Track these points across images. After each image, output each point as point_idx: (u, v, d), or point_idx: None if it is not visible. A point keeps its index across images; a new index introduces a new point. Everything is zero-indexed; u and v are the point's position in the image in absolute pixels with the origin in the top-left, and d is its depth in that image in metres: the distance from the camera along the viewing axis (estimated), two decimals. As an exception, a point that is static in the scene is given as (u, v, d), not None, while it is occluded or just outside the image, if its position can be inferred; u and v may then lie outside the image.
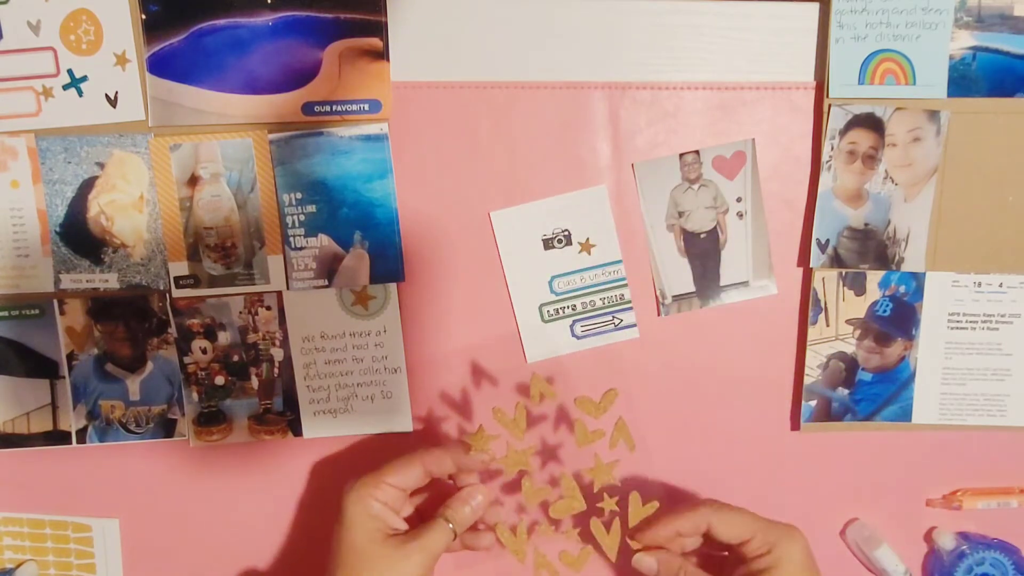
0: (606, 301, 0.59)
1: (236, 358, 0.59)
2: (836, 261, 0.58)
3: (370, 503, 0.52)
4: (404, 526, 0.54)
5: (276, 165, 0.56)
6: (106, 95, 0.55)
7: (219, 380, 0.59)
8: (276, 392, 0.59)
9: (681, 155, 0.58)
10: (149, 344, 0.59)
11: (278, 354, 0.59)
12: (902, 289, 0.59)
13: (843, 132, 0.56)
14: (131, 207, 0.57)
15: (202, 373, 0.59)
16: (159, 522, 0.61)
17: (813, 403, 0.60)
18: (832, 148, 0.57)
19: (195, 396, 0.59)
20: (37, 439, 0.60)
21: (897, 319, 0.59)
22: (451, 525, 0.53)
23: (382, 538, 0.51)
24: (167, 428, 0.60)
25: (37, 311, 0.58)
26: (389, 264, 0.58)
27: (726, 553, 0.55)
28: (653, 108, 0.57)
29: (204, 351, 0.59)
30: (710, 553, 0.56)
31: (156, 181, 0.56)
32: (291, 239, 0.57)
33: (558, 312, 0.59)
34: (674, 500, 0.62)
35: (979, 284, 0.59)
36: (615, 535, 0.55)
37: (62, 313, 0.58)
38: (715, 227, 0.58)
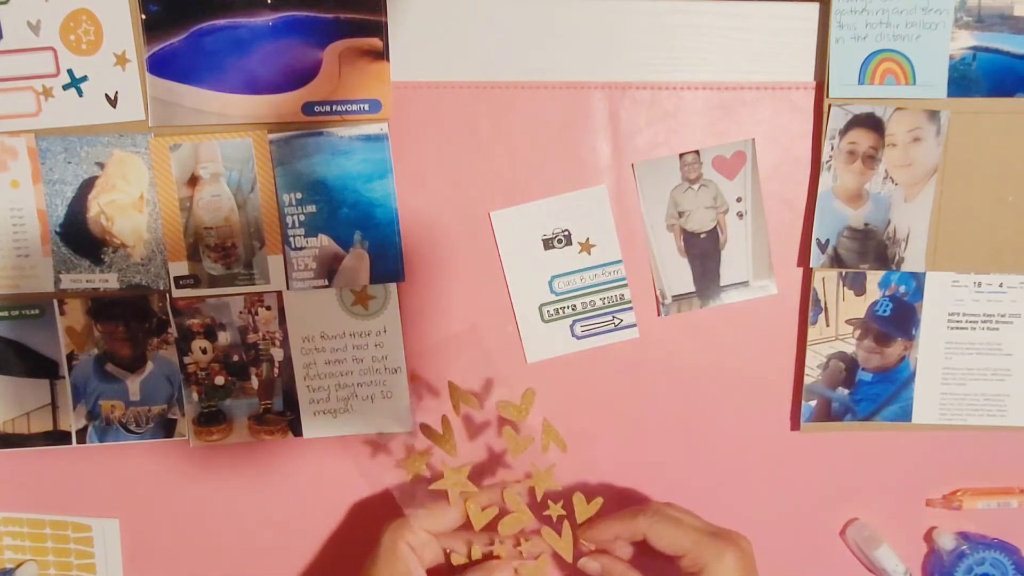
0: (606, 301, 0.59)
1: (236, 358, 0.59)
2: (836, 261, 0.58)
3: (400, 544, 0.54)
4: (423, 575, 0.54)
5: (276, 165, 0.56)
6: (106, 95, 0.55)
7: (219, 380, 0.59)
8: (276, 392, 0.59)
9: (681, 155, 0.58)
10: (149, 344, 0.59)
11: (278, 354, 0.59)
12: (902, 289, 0.59)
13: (843, 132, 0.56)
14: (131, 207, 0.57)
15: (202, 373, 0.59)
16: (159, 522, 0.61)
17: (813, 403, 0.60)
18: (832, 148, 0.57)
19: (195, 396, 0.59)
20: (37, 439, 0.60)
21: (897, 319, 0.59)
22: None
23: None
24: (167, 428, 0.60)
25: (37, 311, 0.58)
26: (389, 264, 0.58)
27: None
28: (653, 108, 0.57)
29: (204, 351, 0.59)
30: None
31: (156, 181, 0.56)
32: (291, 239, 0.57)
33: (558, 312, 0.59)
34: (675, 499, 0.62)
35: (979, 284, 0.59)
36: (567, 538, 0.55)
37: (62, 313, 0.58)
38: (715, 227, 0.58)
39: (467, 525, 0.55)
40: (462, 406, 0.55)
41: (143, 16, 0.54)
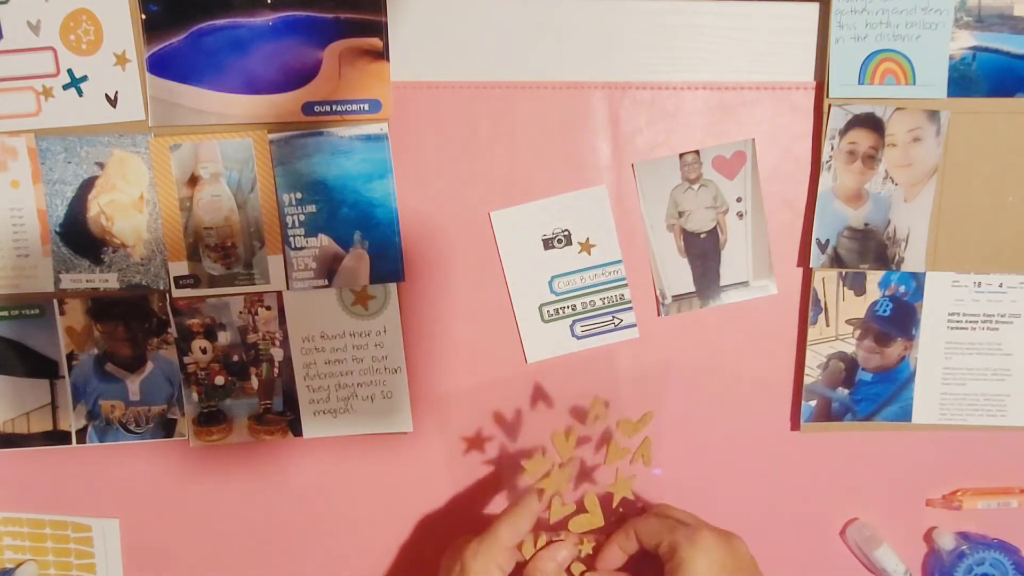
0: (606, 301, 0.59)
1: (236, 358, 0.59)
2: (836, 261, 0.58)
3: (492, 569, 0.51)
4: None
5: (276, 165, 0.56)
6: (106, 95, 0.55)
7: (219, 380, 0.59)
8: (276, 392, 0.59)
9: (681, 155, 0.58)
10: (149, 344, 0.59)
11: (278, 354, 0.59)
12: (902, 289, 0.59)
13: (843, 132, 0.56)
14: (131, 207, 0.57)
15: (202, 373, 0.59)
16: (159, 522, 0.61)
17: (813, 403, 0.60)
18: (832, 148, 0.57)
19: (195, 396, 0.59)
20: (37, 439, 0.60)
21: (897, 319, 0.59)
22: None
23: None
24: (167, 428, 0.60)
25: (37, 311, 0.58)
26: (389, 264, 0.58)
27: None
28: (653, 108, 0.57)
29: (204, 351, 0.59)
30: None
31: (156, 181, 0.56)
32: (291, 239, 0.57)
33: (558, 312, 0.59)
34: (675, 499, 0.62)
35: (979, 284, 0.59)
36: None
37: (62, 313, 0.58)
38: (715, 227, 0.58)
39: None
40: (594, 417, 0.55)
41: (143, 16, 0.54)
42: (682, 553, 0.49)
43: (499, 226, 0.58)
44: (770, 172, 0.58)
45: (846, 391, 0.60)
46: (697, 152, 0.58)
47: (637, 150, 0.57)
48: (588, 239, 0.58)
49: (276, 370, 0.59)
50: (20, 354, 0.58)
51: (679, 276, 0.59)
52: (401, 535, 0.62)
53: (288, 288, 0.58)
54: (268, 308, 0.58)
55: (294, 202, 0.57)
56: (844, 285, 0.59)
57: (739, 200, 0.58)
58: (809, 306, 0.59)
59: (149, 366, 0.59)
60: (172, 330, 0.58)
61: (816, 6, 0.56)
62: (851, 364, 0.60)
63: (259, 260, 0.57)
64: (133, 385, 0.59)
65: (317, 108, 0.55)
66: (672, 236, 0.59)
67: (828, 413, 0.60)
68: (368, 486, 0.61)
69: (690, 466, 0.62)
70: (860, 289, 0.59)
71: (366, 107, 0.55)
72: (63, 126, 0.55)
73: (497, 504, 0.60)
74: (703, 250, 0.59)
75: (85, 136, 0.55)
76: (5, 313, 0.58)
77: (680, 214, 0.58)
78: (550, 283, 0.59)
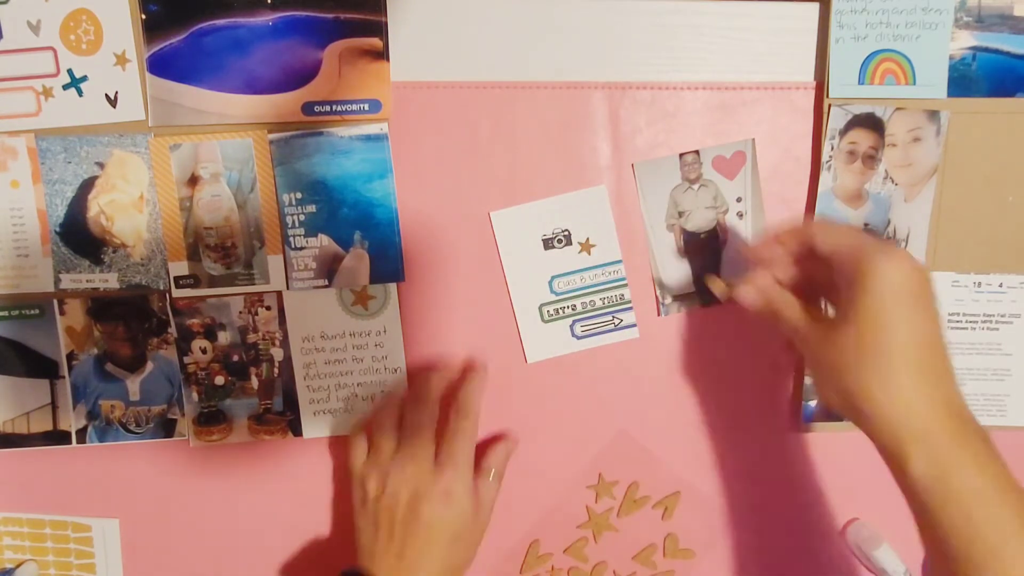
0: (606, 301, 0.59)
1: (236, 358, 0.59)
2: (836, 261, 0.58)
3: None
4: None
5: (276, 165, 0.56)
6: (106, 95, 0.55)
7: (219, 380, 0.59)
8: (276, 392, 0.59)
9: (681, 155, 0.58)
10: (149, 344, 0.59)
11: (278, 354, 0.59)
12: (902, 289, 0.59)
13: (843, 132, 0.56)
14: (131, 207, 0.57)
15: (202, 373, 0.59)
16: (159, 522, 0.61)
17: (813, 403, 0.60)
18: (832, 148, 0.57)
19: (195, 396, 0.59)
20: (37, 439, 0.60)
21: (897, 319, 0.59)
22: (493, 471, 0.57)
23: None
24: (167, 428, 0.60)
25: (37, 311, 0.58)
26: (389, 264, 0.58)
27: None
28: (653, 108, 0.57)
29: (204, 351, 0.59)
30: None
31: (156, 181, 0.56)
32: (291, 239, 0.57)
33: (558, 312, 0.59)
34: (675, 499, 0.62)
35: (979, 284, 0.59)
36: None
37: (62, 313, 0.58)
38: (715, 227, 0.58)
39: None
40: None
41: (143, 16, 0.54)
42: (871, 263, 0.43)
43: (499, 226, 0.58)
44: (770, 172, 0.58)
45: (846, 391, 0.60)
46: (697, 152, 0.58)
47: (637, 150, 0.57)
48: (588, 239, 0.58)
49: (276, 370, 0.59)
50: (20, 354, 0.58)
51: (679, 276, 0.59)
52: (401, 535, 0.62)
53: (288, 288, 0.58)
54: (268, 308, 0.58)
55: (294, 202, 0.57)
56: (844, 285, 0.59)
57: (739, 200, 0.58)
58: (809, 306, 0.59)
59: (149, 366, 0.59)
60: (172, 330, 0.58)
61: (816, 6, 0.56)
62: (851, 364, 0.59)
63: (259, 260, 0.57)
64: (133, 385, 0.59)
65: (317, 108, 0.55)
66: (672, 236, 0.59)
67: (828, 413, 0.60)
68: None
69: (690, 466, 0.62)
70: (860, 289, 0.59)
71: (366, 107, 0.55)
72: (63, 126, 0.55)
73: (497, 505, 0.60)
74: (703, 250, 0.59)
75: (85, 136, 0.55)
76: (5, 313, 0.58)
77: (680, 214, 0.58)
78: (550, 283, 0.59)
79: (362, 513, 0.55)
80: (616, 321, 0.59)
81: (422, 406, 0.56)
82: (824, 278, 0.49)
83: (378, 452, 0.56)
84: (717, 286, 0.55)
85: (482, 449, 0.58)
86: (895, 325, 0.43)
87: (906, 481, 0.44)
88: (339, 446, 0.61)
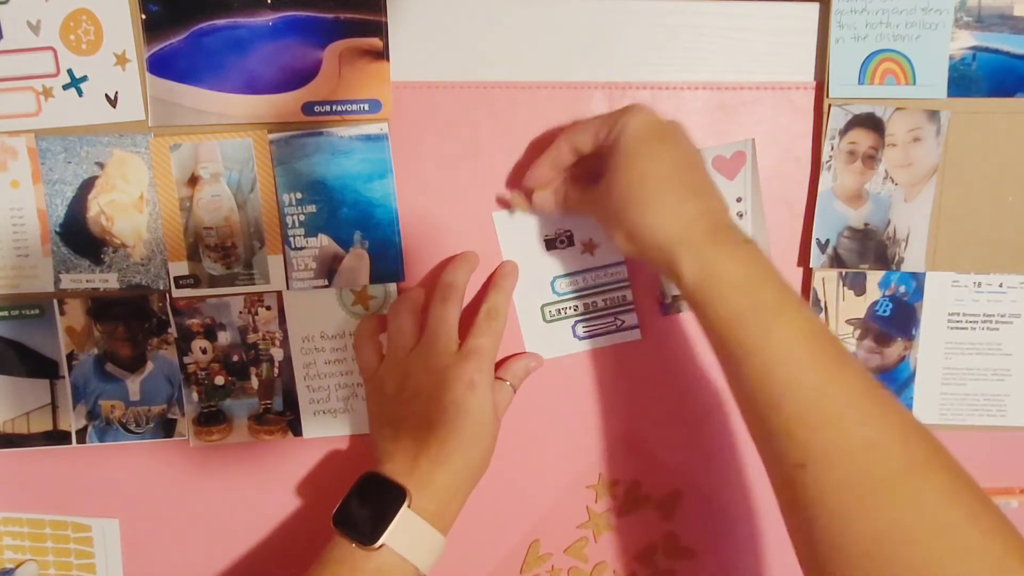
0: (608, 302, 0.59)
1: (236, 358, 0.59)
2: (836, 261, 0.58)
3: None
4: None
5: (276, 165, 0.56)
6: (106, 95, 0.55)
7: (219, 380, 0.59)
8: (276, 392, 0.59)
9: (681, 155, 0.58)
10: (149, 344, 0.59)
11: (278, 354, 0.59)
12: (902, 289, 0.59)
13: (843, 132, 0.57)
14: (131, 207, 0.57)
15: (202, 373, 0.59)
16: (159, 522, 0.61)
17: (813, 403, 0.60)
18: (832, 148, 0.57)
19: (195, 396, 0.59)
20: (37, 439, 0.60)
21: (897, 319, 0.59)
22: (509, 382, 0.57)
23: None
24: (167, 428, 0.60)
25: (37, 311, 0.58)
26: (389, 264, 0.58)
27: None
28: (653, 108, 0.57)
29: (204, 351, 0.59)
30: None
31: (156, 181, 0.56)
32: (291, 239, 0.57)
33: (560, 313, 0.59)
34: (676, 499, 0.62)
35: (979, 284, 0.59)
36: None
37: (62, 313, 0.58)
38: (715, 227, 0.58)
39: None
40: None
41: (143, 16, 0.54)
42: (618, 122, 0.49)
43: (501, 227, 0.58)
44: (770, 172, 0.58)
45: (846, 391, 0.60)
46: (697, 152, 0.58)
47: (637, 150, 0.57)
48: (591, 240, 0.58)
49: (276, 370, 0.59)
50: (20, 354, 0.58)
51: (679, 276, 0.59)
52: (401, 535, 0.62)
53: (288, 288, 0.58)
54: (268, 308, 0.58)
55: (294, 202, 0.57)
56: (844, 285, 0.59)
57: (739, 200, 0.58)
58: (809, 306, 0.59)
59: (149, 366, 0.59)
60: (172, 330, 0.58)
61: (816, 6, 0.56)
62: (851, 364, 0.60)
63: (259, 260, 0.57)
64: (133, 385, 0.59)
65: (317, 108, 0.55)
66: (672, 236, 0.58)
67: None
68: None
69: (691, 466, 0.62)
70: (860, 289, 0.59)
71: (366, 107, 0.55)
72: (63, 126, 0.55)
73: (496, 505, 0.60)
74: (703, 250, 0.59)
75: (85, 136, 0.55)
76: (5, 313, 0.58)
77: (680, 214, 0.58)
78: (552, 284, 0.59)
79: (378, 415, 0.54)
80: (618, 322, 0.59)
81: (449, 299, 0.54)
82: (594, 167, 0.52)
83: (396, 349, 0.55)
84: (516, 201, 0.57)
85: (500, 362, 0.57)
86: (647, 156, 0.48)
87: (683, 291, 0.47)
88: (339, 446, 0.61)
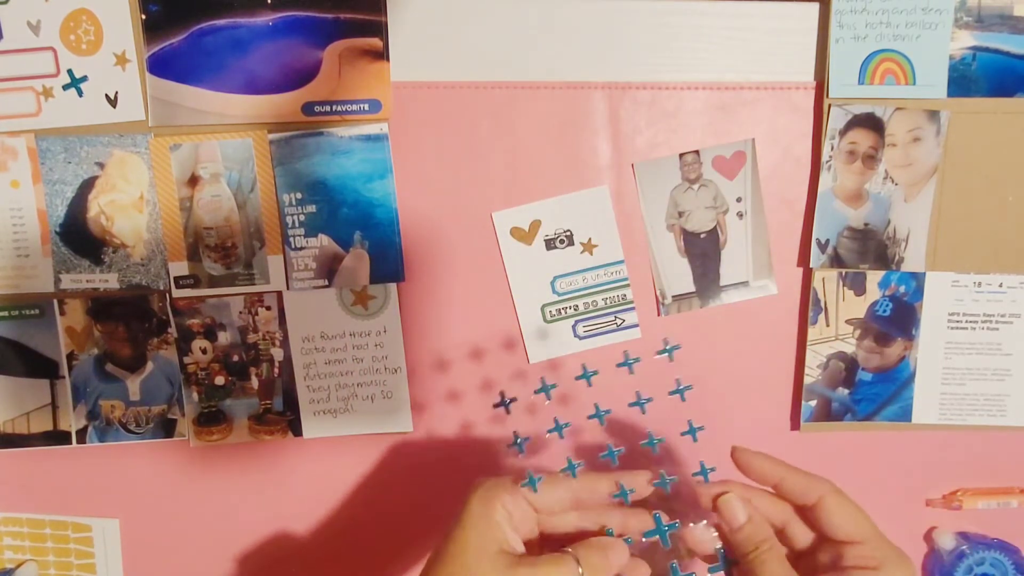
0: (608, 301, 0.59)
1: (236, 358, 0.59)
2: (836, 261, 0.58)
3: (495, 507, 0.44)
4: (521, 548, 0.45)
5: (276, 165, 0.56)
6: (106, 95, 0.55)
7: (219, 380, 0.59)
8: (276, 392, 0.59)
9: (681, 155, 0.58)
10: (149, 344, 0.59)
11: (278, 354, 0.59)
12: (902, 289, 0.59)
13: (843, 132, 0.56)
14: (131, 207, 0.57)
15: (202, 373, 0.59)
16: (159, 522, 0.61)
17: (813, 403, 0.60)
18: (832, 148, 0.57)
19: (195, 396, 0.59)
20: (37, 439, 0.60)
21: (897, 319, 0.59)
22: (581, 569, 0.44)
23: (495, 551, 0.43)
24: (167, 428, 0.60)
25: (37, 311, 0.58)
26: (389, 264, 0.58)
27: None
28: (653, 108, 0.57)
29: (204, 351, 0.59)
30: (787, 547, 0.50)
31: (156, 181, 0.56)
32: (291, 239, 0.57)
33: (560, 312, 0.59)
34: (676, 498, 0.62)
35: (979, 284, 0.59)
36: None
37: (62, 313, 0.58)
38: (715, 227, 0.58)
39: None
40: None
41: (143, 16, 0.54)
42: (889, 570, 0.44)
43: (501, 227, 0.58)
44: (770, 172, 0.58)
45: (846, 391, 0.60)
46: (697, 152, 0.58)
47: (637, 150, 0.57)
48: (590, 239, 0.58)
49: (276, 370, 0.59)
50: (20, 354, 0.58)
51: (679, 276, 0.59)
52: (401, 535, 0.62)
53: (288, 288, 0.58)
54: (268, 308, 0.58)
55: (294, 202, 0.57)
56: (844, 285, 0.59)
57: (739, 200, 0.58)
58: (809, 306, 0.59)
59: (149, 366, 0.59)
60: (172, 330, 0.58)
61: (816, 6, 0.56)
62: (851, 364, 0.60)
63: (259, 260, 0.57)
64: (133, 385, 0.59)
65: (317, 108, 0.55)
66: (672, 236, 0.59)
67: (828, 413, 0.60)
68: (368, 486, 0.61)
69: (691, 466, 0.62)
70: (860, 289, 0.59)
71: (366, 107, 0.55)
72: (63, 126, 0.55)
73: (497, 504, 0.60)
74: (703, 250, 0.59)
75: (85, 136, 0.55)
76: (5, 313, 0.58)
77: (680, 214, 0.58)
78: (552, 283, 0.59)
79: None
80: (618, 321, 0.59)
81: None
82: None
83: None
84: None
85: None
86: None
87: None
88: (339, 446, 0.61)
